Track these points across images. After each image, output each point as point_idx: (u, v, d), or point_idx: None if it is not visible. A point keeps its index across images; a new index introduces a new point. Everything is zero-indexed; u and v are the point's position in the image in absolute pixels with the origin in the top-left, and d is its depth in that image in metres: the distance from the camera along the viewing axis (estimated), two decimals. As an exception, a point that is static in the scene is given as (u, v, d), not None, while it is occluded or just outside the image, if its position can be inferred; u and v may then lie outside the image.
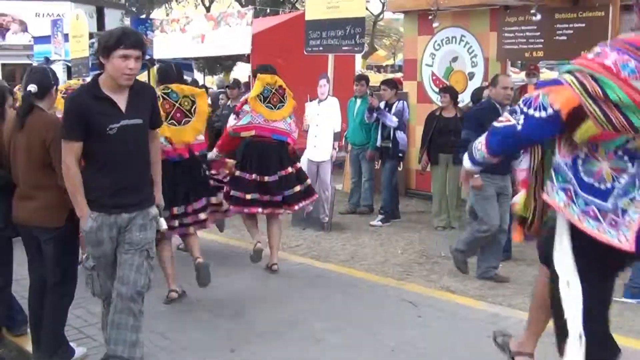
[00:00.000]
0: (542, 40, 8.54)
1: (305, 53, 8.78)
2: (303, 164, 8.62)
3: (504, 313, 5.07)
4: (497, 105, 6.07)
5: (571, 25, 8.25)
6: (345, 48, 8.13)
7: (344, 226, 8.47)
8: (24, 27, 22.66)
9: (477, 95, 8.50)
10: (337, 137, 8.20)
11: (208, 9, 21.05)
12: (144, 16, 22.01)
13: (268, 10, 18.57)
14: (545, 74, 14.60)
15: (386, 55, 33.60)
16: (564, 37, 8.32)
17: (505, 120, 2.87)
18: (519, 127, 2.77)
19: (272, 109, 6.22)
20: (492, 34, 9.16)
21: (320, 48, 8.47)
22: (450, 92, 8.40)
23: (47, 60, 17.16)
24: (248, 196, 6.09)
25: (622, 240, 2.66)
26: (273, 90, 6.27)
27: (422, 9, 9.63)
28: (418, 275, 6.32)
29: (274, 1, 19.93)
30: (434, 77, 9.92)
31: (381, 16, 27.41)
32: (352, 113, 9.19)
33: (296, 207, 6.43)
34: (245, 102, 6.25)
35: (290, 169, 6.29)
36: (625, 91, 2.56)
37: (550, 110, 2.68)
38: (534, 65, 10.59)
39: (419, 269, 6.53)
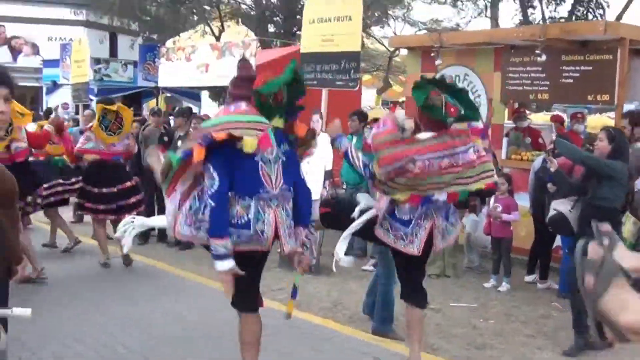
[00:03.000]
0: (548, 82, 8.18)
1: (299, 87, 8.48)
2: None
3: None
4: None
5: (578, 68, 7.89)
6: (340, 83, 7.81)
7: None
8: (35, 50, 22.72)
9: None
10: (329, 175, 7.83)
11: (218, 38, 20.92)
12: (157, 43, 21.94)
13: (278, 43, 18.37)
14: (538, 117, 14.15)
15: (402, 92, 33.34)
16: (570, 80, 7.95)
17: None
18: None
19: (112, 135, 7.89)
20: (496, 73, 8.80)
21: (315, 82, 8.16)
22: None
23: (55, 84, 17.10)
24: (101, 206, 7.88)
25: None
26: (112, 120, 7.88)
27: (425, 45, 9.31)
28: (402, 329, 5.87)
29: (286, 32, 19.75)
30: (436, 116, 9.54)
31: (397, 52, 27.19)
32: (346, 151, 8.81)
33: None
34: (90, 129, 8.02)
35: (127, 183, 8.03)
36: None
37: None
38: (523, 107, 10.16)
39: (404, 323, 6.07)
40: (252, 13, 21.92)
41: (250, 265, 3.82)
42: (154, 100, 18.44)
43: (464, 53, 9.15)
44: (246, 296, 3.94)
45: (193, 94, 17.70)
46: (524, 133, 9.32)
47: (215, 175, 3.61)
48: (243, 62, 4.10)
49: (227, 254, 3.64)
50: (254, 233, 3.72)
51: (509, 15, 37.90)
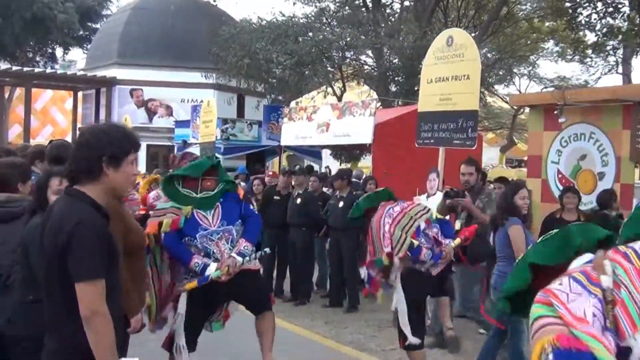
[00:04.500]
0: (682, 140, 7.72)
1: (416, 145, 8.45)
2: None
3: None
4: None
5: None
6: (457, 142, 7.72)
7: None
8: (169, 111, 24.09)
9: (603, 198, 7.75)
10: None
11: (340, 98, 21.35)
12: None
13: (399, 102, 18.49)
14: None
15: (527, 151, 32.46)
16: None
17: None
18: None
19: None
20: (625, 131, 8.38)
21: (432, 141, 8.11)
22: (577, 194, 7.72)
23: (185, 143, 17.98)
24: None
25: None
26: None
27: (548, 103, 9.05)
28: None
29: (407, 92, 19.88)
30: (559, 176, 9.19)
31: (522, 110, 26.69)
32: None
33: None
34: None
35: None
36: None
37: None
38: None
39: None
40: (374, 73, 22.27)
41: (202, 303, 4.96)
42: (277, 158, 18.97)
43: (590, 110, 8.81)
44: (191, 334, 4.96)
45: (314, 152, 18.06)
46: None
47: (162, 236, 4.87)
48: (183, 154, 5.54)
49: (206, 264, 4.81)
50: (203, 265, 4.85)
51: (643, 71, 36.34)
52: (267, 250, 5.40)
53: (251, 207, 5.28)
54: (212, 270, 4.77)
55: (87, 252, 2.63)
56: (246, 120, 20.04)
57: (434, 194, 7.79)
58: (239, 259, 4.82)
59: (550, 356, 1.76)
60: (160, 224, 4.83)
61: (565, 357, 1.75)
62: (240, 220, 5.08)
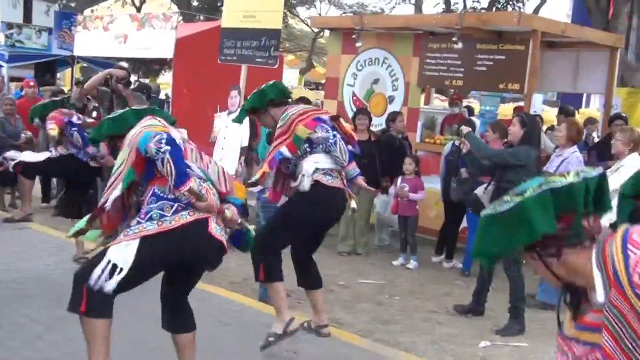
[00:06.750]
0: (463, 69, 8.41)
1: (219, 61, 8.40)
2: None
3: (385, 353, 4.76)
4: None
5: (491, 57, 8.14)
6: (259, 60, 7.79)
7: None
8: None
9: (390, 118, 8.28)
10: (244, 151, 7.81)
11: (139, 9, 20.42)
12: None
13: (201, 17, 18.10)
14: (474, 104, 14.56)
15: (325, 73, 33.39)
16: (484, 68, 8.20)
17: None
18: None
19: None
20: (414, 58, 8.96)
21: (234, 58, 8.11)
22: (369, 115, 8.16)
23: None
24: None
25: None
26: None
27: (347, 27, 9.38)
28: (309, 304, 5.95)
29: (209, 7, 19.50)
30: (354, 98, 9.66)
31: (321, 33, 27.29)
32: (264, 127, 8.80)
33: None
34: None
35: None
36: None
37: None
38: (457, 94, 10.48)
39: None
40: (175, -15, 21.53)
41: None
42: (70, 69, 17.85)
43: (385, 37, 9.27)
44: None
45: (110, 64, 17.13)
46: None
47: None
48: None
49: None
50: None
51: (433, 3, 38.44)
52: None
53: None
54: None
55: None
56: (34, 26, 18.45)
57: (235, 111, 7.85)
58: None
59: None
60: None
61: None
62: None
